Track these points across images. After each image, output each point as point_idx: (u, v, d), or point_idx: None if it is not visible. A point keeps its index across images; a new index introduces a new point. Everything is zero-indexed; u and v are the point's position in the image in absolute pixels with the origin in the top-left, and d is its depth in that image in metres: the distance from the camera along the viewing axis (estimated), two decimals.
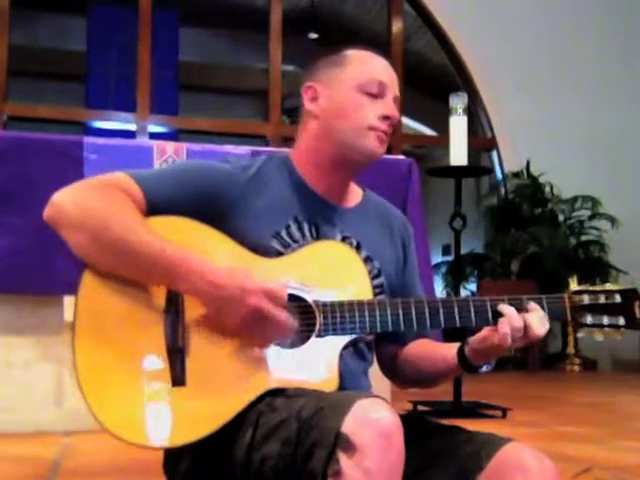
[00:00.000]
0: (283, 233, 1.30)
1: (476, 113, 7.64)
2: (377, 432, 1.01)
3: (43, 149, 2.87)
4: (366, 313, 1.24)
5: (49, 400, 2.83)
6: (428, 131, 10.48)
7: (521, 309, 1.23)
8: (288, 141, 6.69)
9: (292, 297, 1.24)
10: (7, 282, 2.79)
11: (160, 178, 1.30)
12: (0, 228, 2.71)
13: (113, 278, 1.20)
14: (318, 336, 1.23)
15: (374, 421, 1.02)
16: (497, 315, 1.24)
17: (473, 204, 7.84)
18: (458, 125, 3.54)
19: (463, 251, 4.59)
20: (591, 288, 1.27)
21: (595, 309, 1.26)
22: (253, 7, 8.69)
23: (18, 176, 2.80)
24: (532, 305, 1.24)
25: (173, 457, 1.26)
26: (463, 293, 5.84)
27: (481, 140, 7.74)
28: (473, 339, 1.27)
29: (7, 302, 2.85)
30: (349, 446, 1.00)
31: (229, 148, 3.11)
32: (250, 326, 1.17)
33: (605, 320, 1.26)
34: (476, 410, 3.61)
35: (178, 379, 1.17)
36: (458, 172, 3.64)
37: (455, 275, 5.03)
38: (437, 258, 9.03)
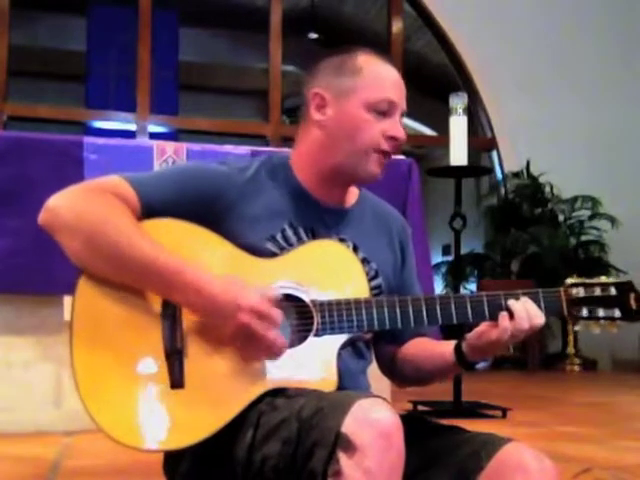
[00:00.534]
0: (278, 237, 1.30)
1: (476, 113, 7.64)
2: (377, 432, 1.01)
3: (43, 149, 2.87)
4: (363, 311, 1.25)
5: (49, 400, 2.83)
6: (428, 131, 10.48)
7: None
8: (288, 141, 6.70)
9: (289, 297, 1.24)
10: (7, 282, 2.79)
11: (156, 181, 1.29)
12: (0, 228, 2.72)
13: (109, 282, 1.20)
14: (316, 335, 1.23)
15: (374, 421, 1.02)
16: (495, 311, 1.24)
17: (473, 204, 7.84)
18: (458, 125, 3.54)
19: (463, 251, 4.59)
20: (587, 281, 1.28)
21: (591, 302, 1.27)
22: (253, 7, 8.68)
23: (18, 176, 2.80)
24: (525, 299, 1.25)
25: (173, 458, 1.26)
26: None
27: (481, 140, 7.74)
28: (470, 335, 1.28)
29: (7, 302, 2.85)
30: (349, 446, 1.01)
31: (229, 148, 3.11)
32: (240, 341, 1.17)
33: (601, 313, 1.27)
34: (476, 410, 3.61)
35: (177, 381, 1.17)
36: (458, 172, 3.64)
37: (455, 275, 5.03)
38: (437, 258, 9.03)
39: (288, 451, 1.07)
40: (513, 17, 7.70)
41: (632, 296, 1.26)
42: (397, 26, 7.74)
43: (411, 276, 1.48)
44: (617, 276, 6.82)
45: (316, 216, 1.35)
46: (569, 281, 1.28)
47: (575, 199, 7.25)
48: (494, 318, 1.24)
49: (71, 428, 2.69)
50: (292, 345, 1.22)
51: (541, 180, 7.32)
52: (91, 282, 1.21)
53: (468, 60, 7.62)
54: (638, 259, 6.71)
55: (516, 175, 7.48)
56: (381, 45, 7.91)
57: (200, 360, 1.18)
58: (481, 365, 1.31)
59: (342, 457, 1.01)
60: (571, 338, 6.99)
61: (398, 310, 1.25)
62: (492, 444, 1.18)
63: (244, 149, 3.06)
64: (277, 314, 1.16)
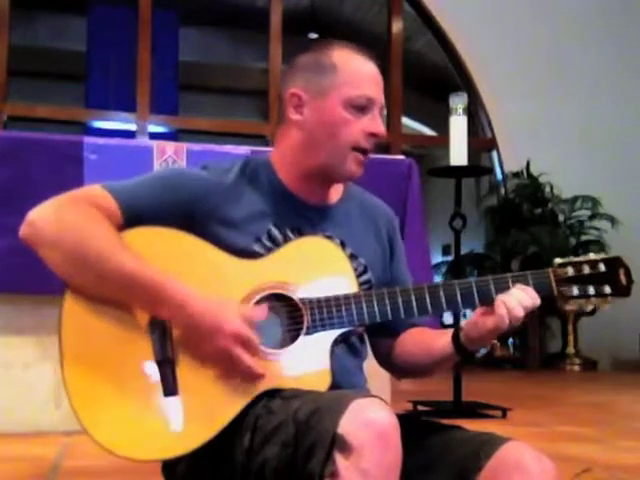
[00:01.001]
0: (264, 238, 1.29)
1: (476, 113, 7.64)
2: (374, 432, 1.01)
3: (43, 149, 2.87)
4: (353, 306, 1.24)
5: (49, 400, 2.83)
6: (428, 131, 10.48)
7: (507, 289, 1.23)
8: None
9: (278, 297, 1.24)
10: (7, 282, 2.79)
11: (136, 189, 1.28)
12: (0, 228, 2.72)
13: (94, 294, 1.20)
14: (307, 334, 1.23)
15: (370, 421, 1.01)
16: (484, 297, 1.24)
17: (473, 204, 7.84)
18: (458, 125, 3.54)
19: (463, 251, 4.58)
20: (575, 260, 1.27)
21: (580, 280, 1.26)
22: (253, 7, 8.69)
23: (18, 176, 2.80)
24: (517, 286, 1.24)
25: (171, 460, 1.26)
26: None
27: (481, 140, 7.74)
28: (466, 325, 1.27)
29: (7, 302, 2.85)
30: (345, 447, 1.00)
31: (229, 148, 3.10)
32: (220, 361, 1.17)
33: (591, 290, 1.26)
34: (476, 410, 3.61)
35: (170, 389, 1.16)
36: (458, 172, 3.64)
37: (455, 275, 5.02)
38: (437, 258, 9.04)
39: (287, 454, 1.07)
40: (513, 17, 7.70)
41: (621, 271, 1.25)
42: (397, 26, 7.74)
43: (401, 268, 1.48)
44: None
45: (301, 215, 1.34)
46: (557, 261, 1.27)
47: (575, 199, 7.25)
48: (484, 304, 1.24)
49: (71, 428, 2.66)
50: (284, 345, 1.22)
51: (541, 180, 7.32)
52: (76, 296, 1.21)
53: (468, 60, 7.62)
54: (638, 259, 6.70)
55: (516, 175, 7.48)
56: (381, 45, 7.91)
57: (192, 367, 1.18)
58: (481, 352, 1.30)
59: (339, 458, 1.00)
60: (571, 338, 7.00)
61: (387, 302, 1.25)
62: (491, 443, 1.18)
63: (244, 149, 3.06)
64: (255, 340, 1.16)
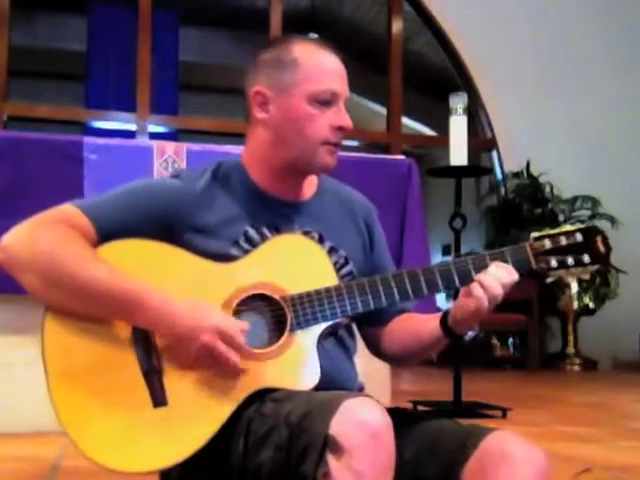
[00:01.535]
0: (241, 240, 1.29)
1: (476, 113, 7.64)
2: (365, 432, 1.00)
3: (43, 149, 2.87)
4: (335, 299, 1.24)
5: (49, 400, 2.83)
6: (428, 131, 10.48)
7: (486, 267, 1.23)
8: None
9: (259, 297, 1.24)
10: (7, 282, 2.78)
11: (108, 205, 1.28)
12: (0, 228, 2.72)
13: (75, 313, 1.20)
14: (292, 330, 1.22)
15: (362, 421, 1.01)
16: (465, 278, 1.24)
17: (473, 204, 7.84)
18: (458, 125, 3.54)
19: (463, 251, 4.57)
20: (551, 232, 1.26)
21: (558, 252, 1.25)
22: (253, 7, 8.68)
23: (18, 176, 2.80)
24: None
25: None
26: None
27: (481, 140, 7.74)
28: (452, 309, 1.27)
29: (7, 302, 2.85)
30: (337, 448, 1.00)
31: (229, 148, 3.10)
32: (205, 363, 1.17)
33: (570, 261, 1.25)
34: (476, 410, 3.61)
35: (159, 399, 1.16)
36: (458, 172, 3.64)
37: None
38: (437, 258, 9.04)
39: (281, 457, 1.07)
40: (513, 17, 7.70)
41: (599, 239, 1.25)
42: (397, 26, 7.73)
43: (383, 257, 1.47)
44: (617, 276, 6.83)
45: (276, 213, 1.34)
46: (534, 235, 1.26)
47: (575, 199, 7.25)
48: (465, 284, 1.24)
49: None
50: (270, 344, 1.22)
51: (541, 180, 7.32)
52: (56, 315, 1.21)
53: (468, 60, 7.61)
54: (638, 259, 6.71)
55: (516, 175, 7.47)
56: (381, 45, 7.92)
57: (179, 374, 1.18)
58: (469, 334, 1.30)
59: (331, 459, 1.00)
60: (571, 338, 7.00)
61: (369, 292, 1.25)
62: (476, 434, 1.18)
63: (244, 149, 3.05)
64: (237, 333, 1.16)
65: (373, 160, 3.43)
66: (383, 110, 8.19)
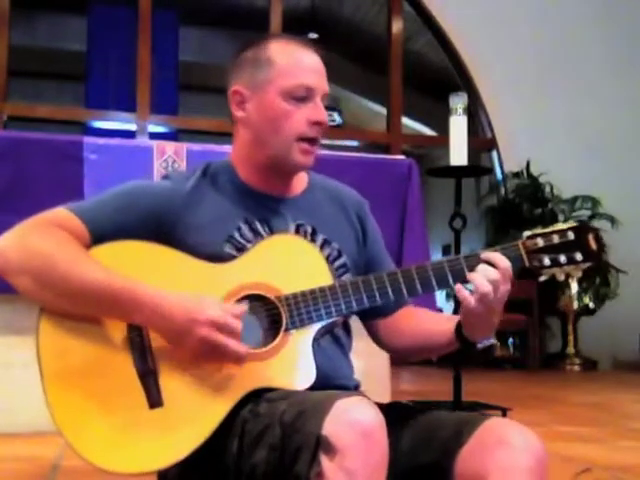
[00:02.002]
0: (236, 235, 1.29)
1: (476, 113, 7.63)
2: (358, 432, 1.00)
3: (43, 149, 2.87)
4: (329, 298, 1.24)
5: (45, 402, 2.83)
6: (428, 131, 10.48)
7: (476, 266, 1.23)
8: None
9: (254, 297, 1.24)
10: (6, 282, 2.79)
11: (101, 207, 1.28)
12: (0, 228, 2.72)
13: (69, 315, 1.20)
14: (287, 330, 1.22)
15: (354, 421, 1.01)
16: (459, 277, 1.24)
17: (473, 204, 7.84)
18: (458, 125, 3.53)
19: (463, 251, 4.58)
20: (544, 231, 1.27)
21: (551, 250, 1.26)
22: (253, 7, 8.68)
23: (18, 176, 2.80)
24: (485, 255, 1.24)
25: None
26: None
27: (481, 140, 7.74)
28: (460, 314, 1.26)
29: (7, 302, 2.85)
30: (330, 448, 1.00)
31: (229, 148, 3.09)
32: (203, 356, 1.17)
33: (562, 259, 1.25)
34: (476, 410, 3.61)
35: (155, 400, 1.16)
36: (458, 172, 3.63)
37: None
38: (437, 258, 9.02)
39: (275, 457, 1.07)
40: (513, 17, 7.70)
41: (591, 237, 1.25)
42: (397, 26, 7.73)
43: (378, 250, 1.48)
44: (617, 276, 6.83)
45: (268, 208, 1.35)
46: (526, 233, 1.27)
47: (575, 199, 7.25)
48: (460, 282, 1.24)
49: None
50: (266, 344, 1.22)
51: (541, 180, 7.32)
52: (51, 318, 1.20)
53: (468, 60, 7.61)
54: (638, 259, 6.71)
55: (516, 175, 7.47)
56: (381, 45, 7.92)
57: (175, 373, 1.18)
58: (484, 343, 1.30)
59: (324, 459, 1.00)
60: (571, 338, 7.00)
61: (363, 291, 1.25)
62: (473, 422, 1.18)
63: None
64: (235, 323, 1.15)
65: (373, 160, 3.43)
66: (383, 110, 8.19)
